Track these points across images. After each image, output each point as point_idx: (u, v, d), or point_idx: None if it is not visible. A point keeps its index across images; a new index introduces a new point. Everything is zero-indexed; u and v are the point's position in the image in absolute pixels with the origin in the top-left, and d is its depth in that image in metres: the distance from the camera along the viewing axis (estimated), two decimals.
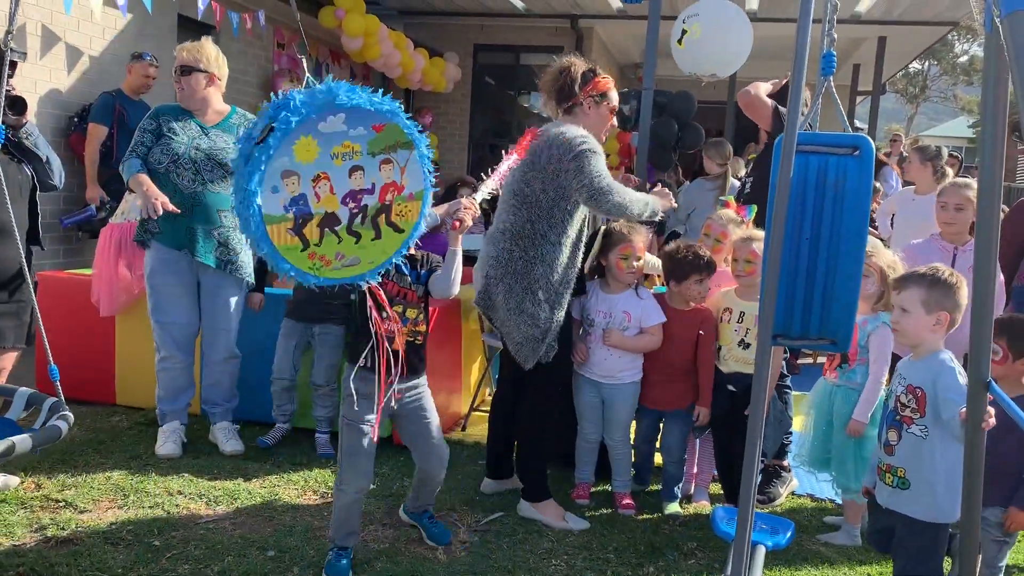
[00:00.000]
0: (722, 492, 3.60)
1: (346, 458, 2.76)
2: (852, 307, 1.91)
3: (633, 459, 3.64)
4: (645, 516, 3.45)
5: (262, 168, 2.08)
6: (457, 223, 2.80)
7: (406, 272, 2.75)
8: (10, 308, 3.33)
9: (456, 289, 2.83)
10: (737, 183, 6.20)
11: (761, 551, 2.51)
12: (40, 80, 5.88)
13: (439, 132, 12.04)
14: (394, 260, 2.42)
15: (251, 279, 3.88)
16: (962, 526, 2.16)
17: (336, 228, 2.26)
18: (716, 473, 3.64)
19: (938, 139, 28.34)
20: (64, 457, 3.62)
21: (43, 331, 2.81)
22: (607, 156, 3.55)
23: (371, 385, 2.69)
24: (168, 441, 3.77)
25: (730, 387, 3.41)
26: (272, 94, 2.17)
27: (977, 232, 1.95)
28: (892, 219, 5.50)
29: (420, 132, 2.36)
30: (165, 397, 3.84)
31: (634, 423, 3.60)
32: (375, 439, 2.76)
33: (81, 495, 3.27)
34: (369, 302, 2.53)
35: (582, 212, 3.26)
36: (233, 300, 3.84)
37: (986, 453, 2.07)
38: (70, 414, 2.51)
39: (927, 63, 34.15)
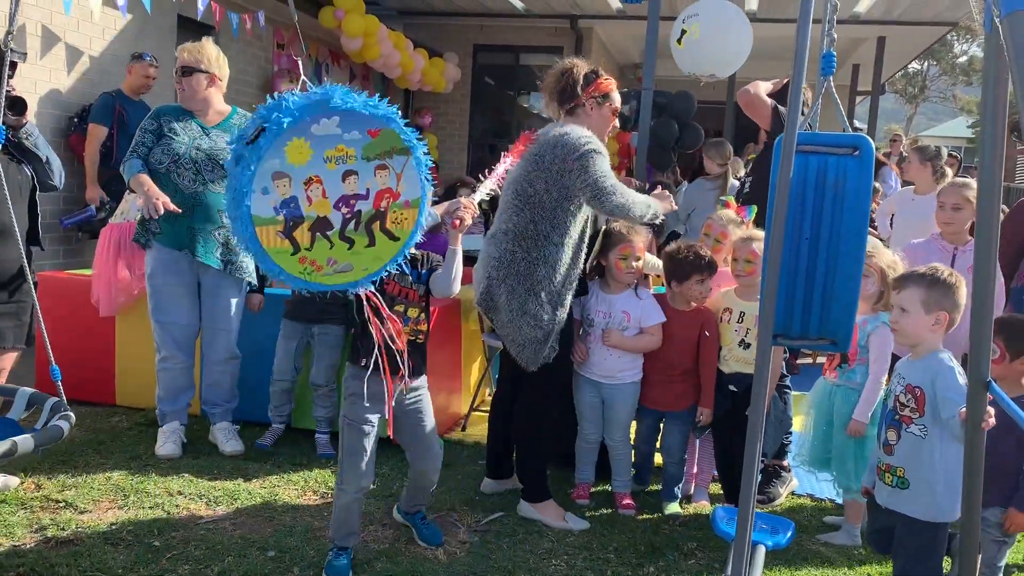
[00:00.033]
0: (722, 492, 3.60)
1: (347, 458, 2.77)
2: (852, 307, 1.91)
3: (633, 459, 3.64)
4: (645, 516, 3.45)
5: (252, 168, 2.06)
6: (457, 222, 2.80)
7: (407, 272, 2.75)
8: (10, 308, 3.33)
9: (457, 288, 2.83)
10: (736, 183, 6.21)
11: (761, 551, 2.51)
12: (40, 80, 5.88)
13: (439, 132, 12.04)
14: (389, 268, 2.40)
15: (252, 279, 3.88)
16: (962, 526, 2.16)
17: (328, 233, 2.23)
18: (716, 473, 3.65)
19: (937, 139, 28.35)
20: (64, 457, 3.62)
21: (45, 332, 2.81)
22: None
23: (373, 385, 2.70)
24: (168, 441, 3.78)
25: (731, 387, 3.41)
26: (268, 96, 2.16)
27: (977, 232, 1.95)
28: (891, 219, 5.50)
29: (418, 139, 2.33)
30: (165, 397, 3.84)
31: (634, 423, 3.61)
32: (391, 434, 2.73)
33: (81, 495, 3.27)
34: (367, 308, 2.51)
35: (585, 213, 3.26)
36: (233, 301, 3.84)
37: (985, 453, 2.07)
38: (72, 414, 2.51)
39: (926, 63, 34.17)
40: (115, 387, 4.41)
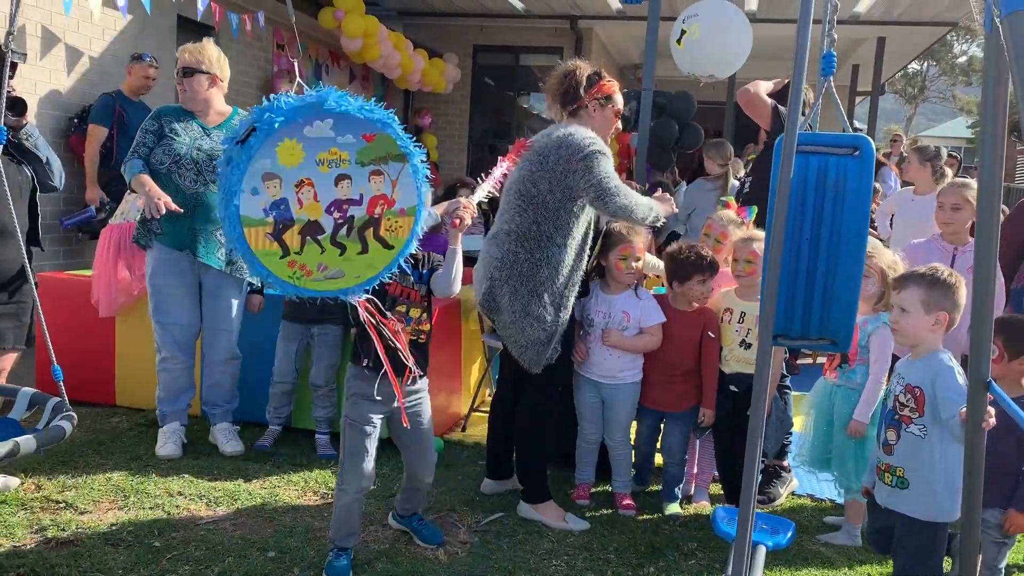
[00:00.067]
0: (722, 492, 3.60)
1: (348, 458, 2.77)
2: (852, 307, 1.91)
3: (633, 459, 3.64)
4: (645, 516, 3.45)
5: (241, 168, 2.04)
6: (456, 221, 2.81)
7: (409, 272, 2.75)
8: (10, 309, 3.33)
9: (458, 287, 2.84)
10: (737, 183, 6.20)
11: (762, 551, 2.51)
12: (40, 81, 5.88)
13: (438, 133, 12.04)
14: (383, 277, 2.36)
15: (253, 280, 3.88)
16: (962, 526, 2.16)
17: (319, 237, 2.19)
18: (716, 473, 3.65)
19: (937, 139, 28.36)
20: (64, 458, 3.62)
21: (46, 332, 2.81)
22: None
23: (374, 385, 2.70)
24: (168, 442, 3.78)
25: (732, 387, 3.41)
26: (264, 97, 2.15)
27: (977, 232, 1.95)
28: (891, 219, 5.51)
29: (416, 146, 2.29)
30: (165, 398, 3.84)
31: (635, 423, 3.61)
32: (405, 422, 2.71)
33: (81, 496, 3.27)
34: (362, 314, 2.45)
35: (587, 214, 3.26)
36: (234, 301, 3.84)
37: (985, 453, 2.07)
38: (74, 414, 2.51)
39: (926, 64, 34.18)
40: (115, 387, 4.41)
